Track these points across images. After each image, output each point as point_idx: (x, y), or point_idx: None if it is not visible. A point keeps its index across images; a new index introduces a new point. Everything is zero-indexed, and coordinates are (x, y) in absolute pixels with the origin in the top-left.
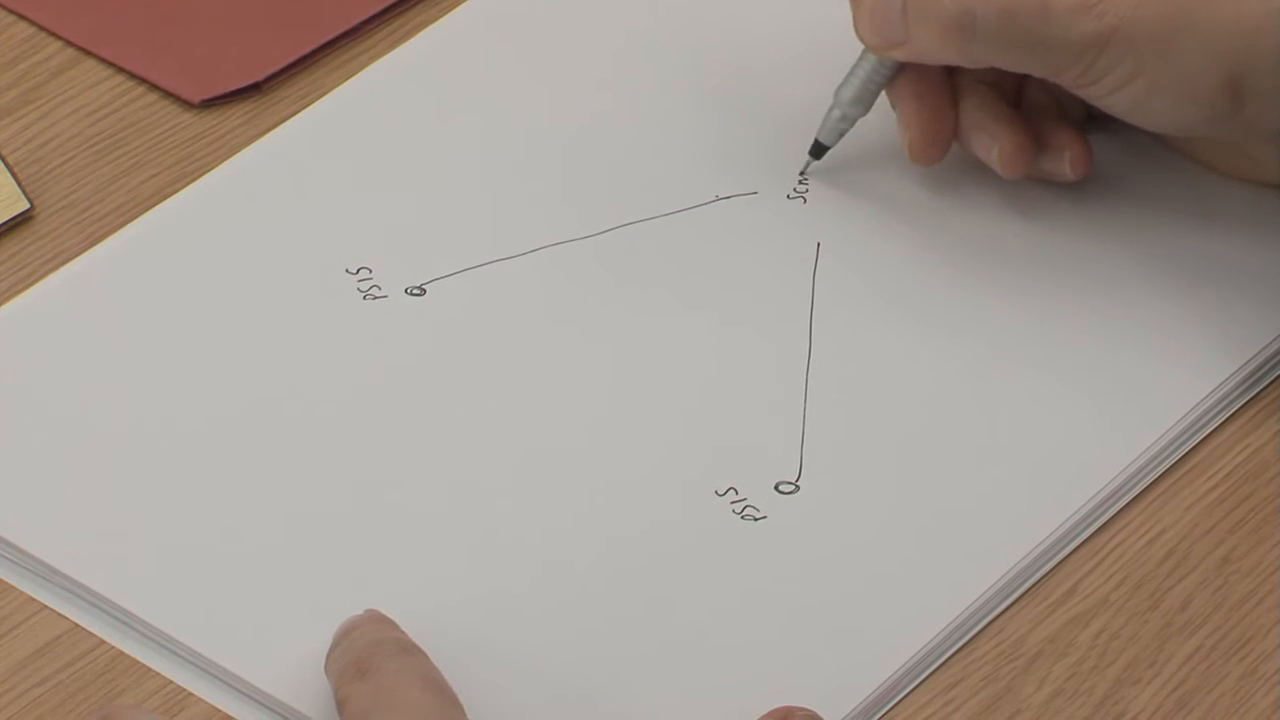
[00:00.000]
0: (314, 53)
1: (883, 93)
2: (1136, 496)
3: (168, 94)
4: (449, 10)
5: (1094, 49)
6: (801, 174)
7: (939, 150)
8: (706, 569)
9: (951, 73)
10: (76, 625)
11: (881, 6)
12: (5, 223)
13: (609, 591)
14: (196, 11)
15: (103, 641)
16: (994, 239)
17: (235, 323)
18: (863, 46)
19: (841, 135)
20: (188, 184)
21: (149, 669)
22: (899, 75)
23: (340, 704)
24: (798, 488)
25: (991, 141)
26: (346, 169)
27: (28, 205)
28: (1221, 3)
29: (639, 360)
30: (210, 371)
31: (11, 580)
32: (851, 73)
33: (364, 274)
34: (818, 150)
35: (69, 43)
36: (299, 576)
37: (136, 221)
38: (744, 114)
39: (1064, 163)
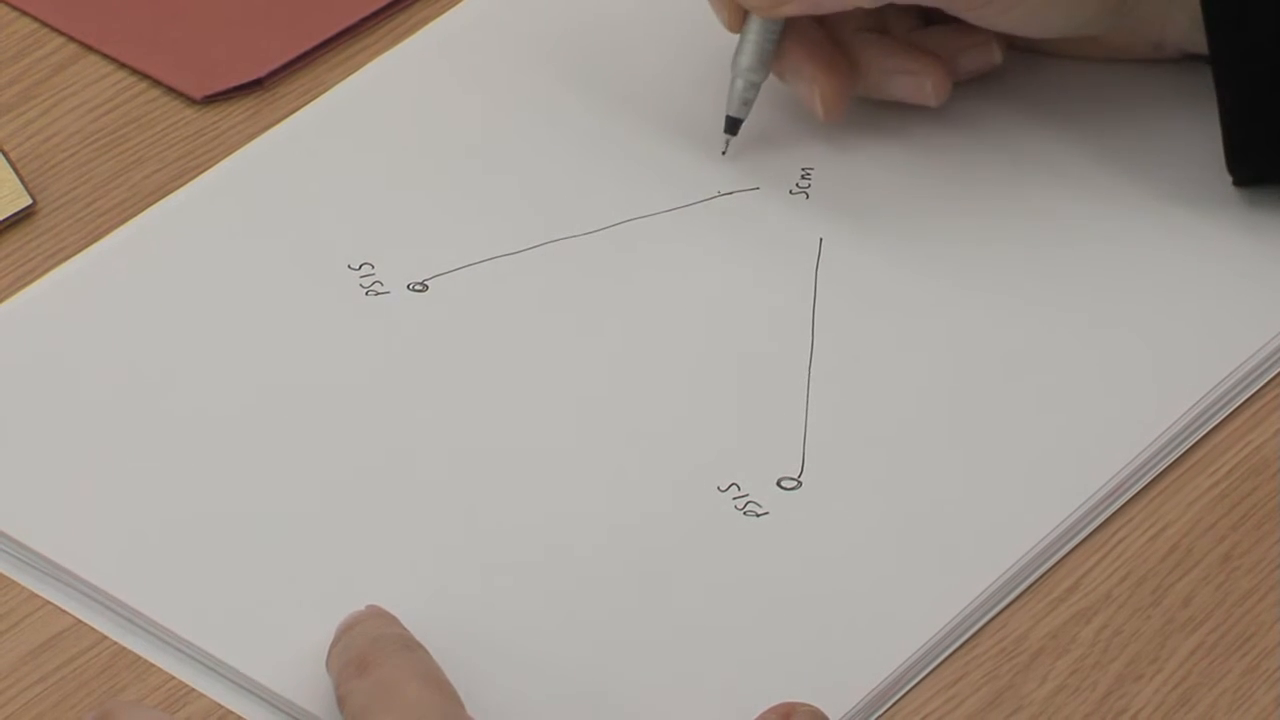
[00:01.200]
0: (315, 49)
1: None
2: (1139, 493)
3: (169, 90)
4: (450, 7)
5: None
6: (723, 152)
7: (847, 100)
8: (708, 565)
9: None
10: (79, 621)
11: None
12: (7, 219)
13: (611, 588)
14: (198, 8)
15: (105, 637)
16: (996, 236)
17: (237, 319)
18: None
19: (749, 104)
20: (189, 180)
21: (151, 665)
22: (786, 40)
23: (341, 700)
24: (800, 484)
25: (812, 86)
26: (348, 165)
27: (30, 201)
28: None
29: (641, 355)
30: (212, 367)
31: (13, 576)
32: (743, 39)
33: (366, 270)
34: (733, 126)
35: (71, 39)
36: (301, 572)
37: (138, 217)
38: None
39: (925, 88)
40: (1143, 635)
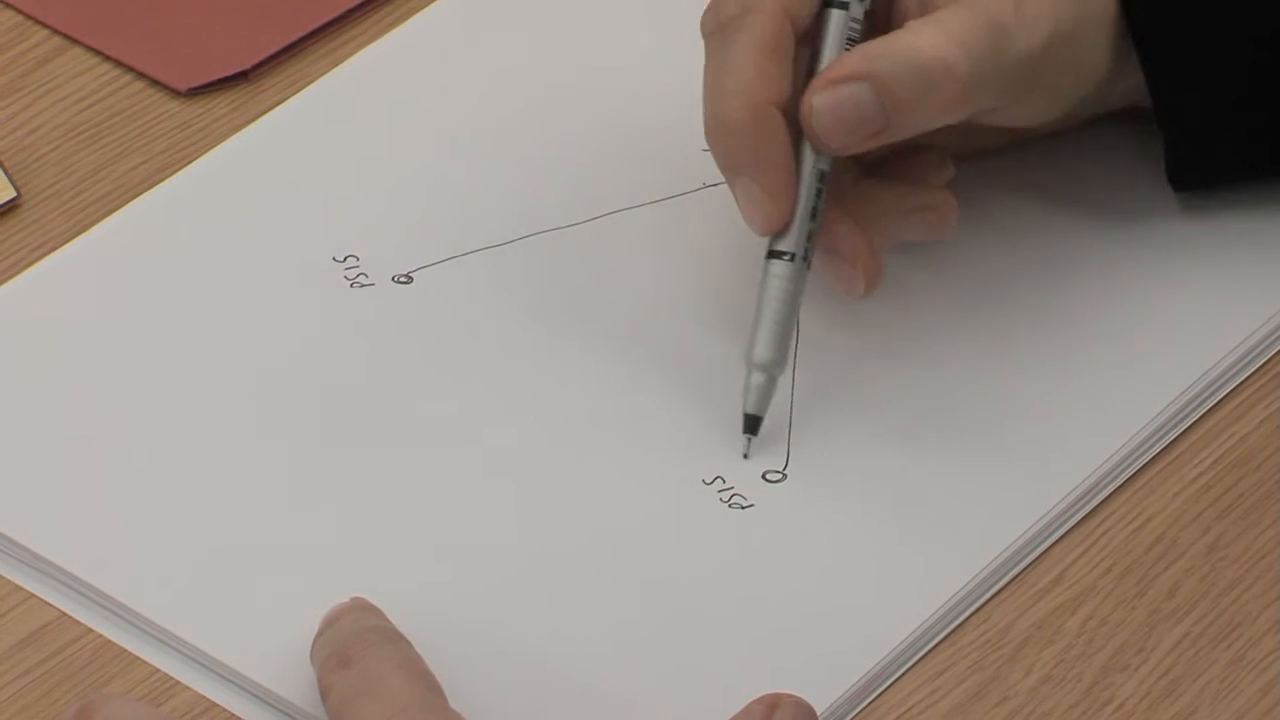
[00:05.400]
0: (301, 40)
1: None
2: (1123, 484)
3: (154, 82)
4: None
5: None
6: (745, 455)
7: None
8: (694, 558)
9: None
10: (63, 614)
11: (849, 101)
12: None
13: (596, 580)
14: (183, 0)
15: (90, 630)
16: (981, 229)
17: (222, 311)
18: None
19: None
20: (174, 172)
21: (136, 657)
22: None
23: (324, 692)
24: (785, 476)
25: (854, 269)
26: (333, 157)
27: (14, 194)
28: None
29: (626, 348)
30: (197, 360)
31: None
32: (757, 328)
33: (351, 262)
34: (752, 425)
35: (55, 31)
36: (285, 564)
37: (123, 210)
38: None
39: (930, 225)
40: (1128, 626)
